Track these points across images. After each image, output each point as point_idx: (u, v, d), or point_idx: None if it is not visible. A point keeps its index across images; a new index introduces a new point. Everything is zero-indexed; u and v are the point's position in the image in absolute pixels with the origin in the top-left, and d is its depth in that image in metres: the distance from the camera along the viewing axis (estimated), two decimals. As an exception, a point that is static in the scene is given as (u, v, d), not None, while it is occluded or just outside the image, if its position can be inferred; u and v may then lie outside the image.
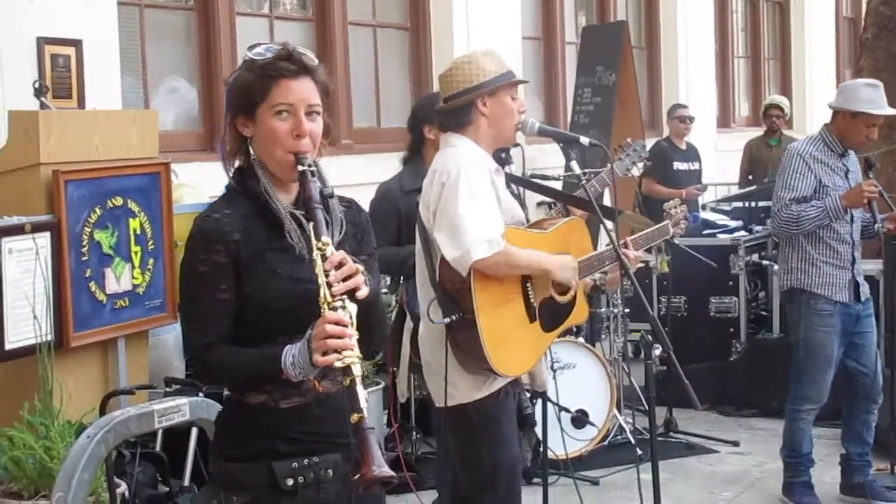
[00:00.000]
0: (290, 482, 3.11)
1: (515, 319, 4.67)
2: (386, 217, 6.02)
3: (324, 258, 2.97)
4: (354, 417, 2.88)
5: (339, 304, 2.94)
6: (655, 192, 10.90)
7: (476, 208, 4.51)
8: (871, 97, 6.50)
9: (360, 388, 2.89)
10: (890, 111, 6.58)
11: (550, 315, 4.81)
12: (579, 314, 5.01)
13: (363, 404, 2.89)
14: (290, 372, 3.01)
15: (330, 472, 3.17)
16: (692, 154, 11.66)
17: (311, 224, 3.03)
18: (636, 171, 6.75)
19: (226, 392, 3.39)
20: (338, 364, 2.91)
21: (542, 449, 6.15)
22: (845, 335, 6.55)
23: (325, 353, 2.92)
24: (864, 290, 6.60)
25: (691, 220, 5.78)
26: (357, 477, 2.85)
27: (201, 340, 3.10)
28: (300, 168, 3.10)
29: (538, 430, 6.11)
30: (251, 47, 3.16)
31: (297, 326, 3.02)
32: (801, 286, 6.53)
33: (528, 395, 5.17)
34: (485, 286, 4.52)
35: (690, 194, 11.05)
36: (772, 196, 6.80)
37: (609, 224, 4.90)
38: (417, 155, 6.14)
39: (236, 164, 3.22)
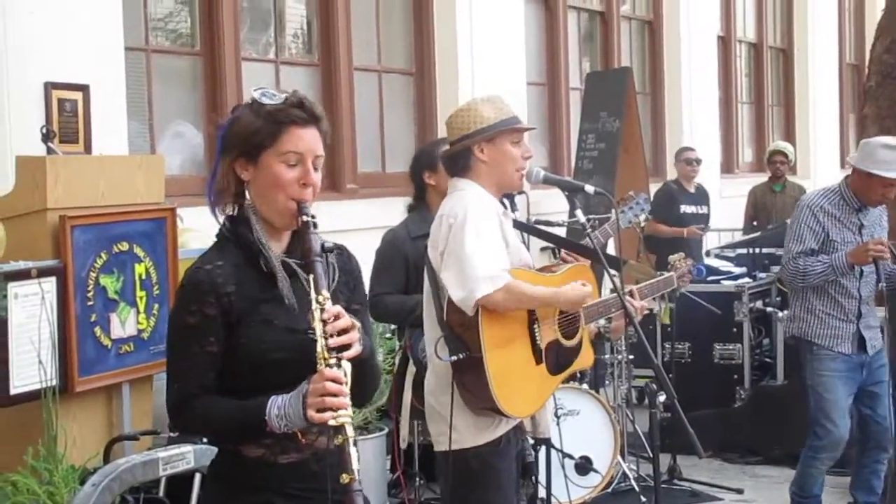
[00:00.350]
0: None
1: (522, 360, 4.68)
2: (394, 264, 6.05)
3: (322, 312, 2.97)
4: (345, 478, 2.89)
5: (334, 360, 2.95)
6: (658, 231, 10.92)
7: (481, 247, 4.53)
8: (887, 158, 6.43)
9: (352, 449, 2.91)
10: None
11: (556, 358, 4.81)
12: (585, 359, 5.01)
13: (355, 465, 2.89)
14: (274, 424, 3.00)
15: None
16: (701, 197, 11.66)
17: (312, 277, 3.03)
18: (642, 221, 6.78)
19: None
20: (332, 423, 2.91)
21: (542, 497, 6.15)
22: (853, 381, 6.55)
23: (319, 410, 2.92)
24: (874, 343, 6.59)
25: (696, 273, 5.80)
26: None
27: (184, 391, 3.07)
28: (304, 219, 3.09)
29: (541, 477, 6.12)
30: (257, 90, 3.15)
31: (294, 377, 3.01)
32: (802, 335, 6.55)
33: (532, 442, 5.16)
34: (492, 325, 4.53)
35: (692, 234, 11.08)
36: (778, 242, 6.84)
37: (614, 272, 4.91)
38: (421, 201, 6.16)
39: (227, 209, 3.21)
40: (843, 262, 6.36)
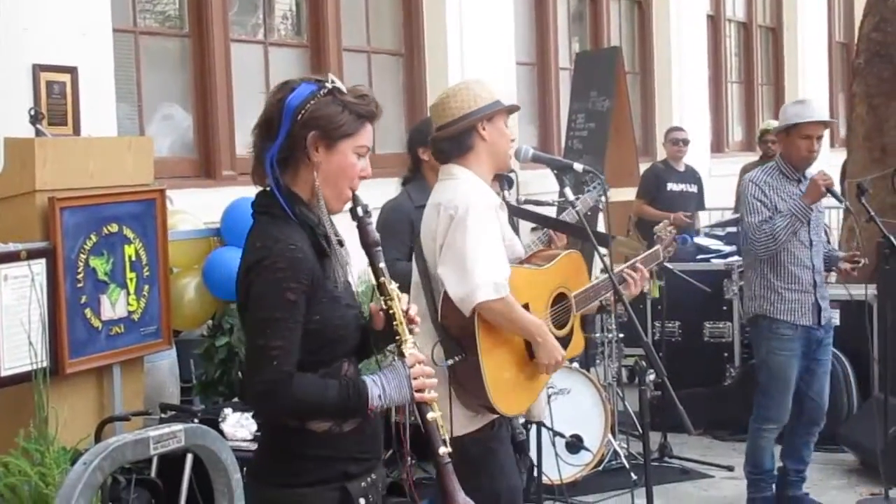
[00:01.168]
0: (363, 502, 3.24)
1: (516, 358, 4.69)
2: (401, 231, 5.97)
3: (399, 299, 3.25)
4: (443, 451, 3.23)
5: (412, 342, 3.25)
6: (646, 213, 10.89)
7: (485, 248, 4.53)
8: (797, 111, 6.69)
9: (441, 423, 3.26)
10: (817, 118, 6.69)
11: None
12: (576, 345, 5.02)
13: (446, 438, 3.25)
14: (376, 404, 3.18)
15: (382, 486, 3.37)
16: (689, 176, 11.61)
17: (382, 266, 3.27)
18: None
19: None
20: (429, 401, 3.24)
21: (536, 474, 6.17)
22: (804, 359, 6.64)
23: (419, 390, 3.22)
24: (827, 315, 6.70)
25: (681, 241, 5.83)
26: None
27: (282, 369, 3.10)
28: (361, 213, 3.27)
29: (532, 454, 6.13)
30: (324, 79, 3.26)
31: (349, 351, 3.28)
32: (764, 313, 6.63)
33: (522, 421, 5.17)
34: (488, 328, 4.55)
35: (678, 220, 10.97)
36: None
37: (604, 252, 4.92)
38: (419, 173, 6.17)
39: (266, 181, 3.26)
40: (800, 206, 6.45)
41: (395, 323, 3.25)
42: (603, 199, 6.50)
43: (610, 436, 7.78)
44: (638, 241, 8.87)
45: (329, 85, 3.24)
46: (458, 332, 4.56)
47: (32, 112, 6.33)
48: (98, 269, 5.78)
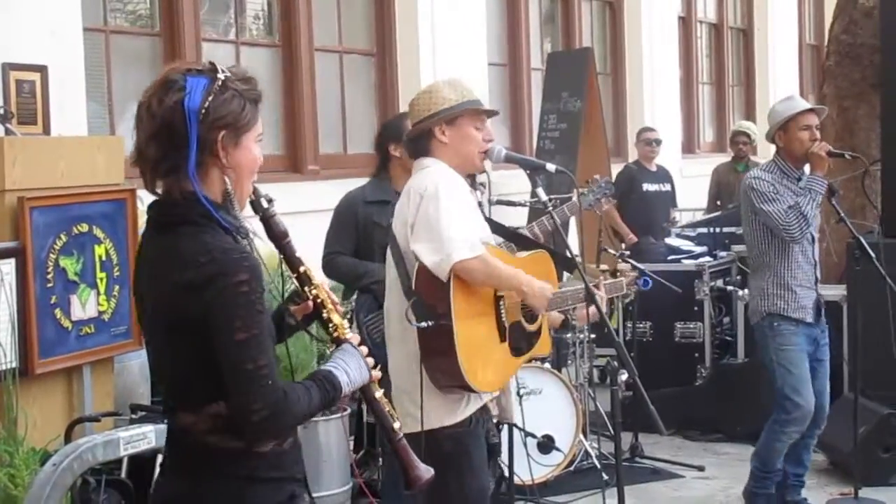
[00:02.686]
0: None
1: (488, 335, 4.69)
2: (347, 225, 6.23)
3: (319, 286, 3.17)
4: (396, 426, 3.19)
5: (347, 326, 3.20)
6: (614, 222, 10.82)
7: (457, 214, 4.55)
8: (788, 106, 6.70)
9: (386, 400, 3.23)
10: (808, 105, 6.72)
11: (518, 340, 4.82)
12: (543, 346, 5.03)
13: (395, 413, 3.23)
14: (346, 391, 3.09)
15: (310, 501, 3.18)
16: (663, 176, 11.58)
17: (299, 255, 3.13)
18: (604, 204, 6.83)
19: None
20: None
21: (507, 476, 6.16)
22: (809, 356, 6.61)
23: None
24: (822, 310, 6.68)
25: (642, 284, 5.91)
26: (408, 484, 3.20)
27: (277, 386, 2.87)
28: (265, 203, 3.10)
29: (504, 458, 6.13)
30: (206, 68, 3.00)
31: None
32: (778, 311, 6.54)
33: (495, 422, 5.17)
34: (462, 294, 4.54)
35: (630, 241, 10.79)
36: (739, 222, 6.83)
37: (577, 256, 4.94)
38: (383, 170, 6.23)
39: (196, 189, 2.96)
40: (813, 180, 6.49)
41: (325, 310, 3.13)
42: (602, 202, 6.59)
43: (581, 436, 7.79)
44: (611, 241, 8.90)
45: (221, 76, 2.95)
46: (433, 297, 4.54)
47: (2, 111, 6.31)
48: (68, 269, 5.75)
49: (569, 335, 8.39)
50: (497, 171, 8.08)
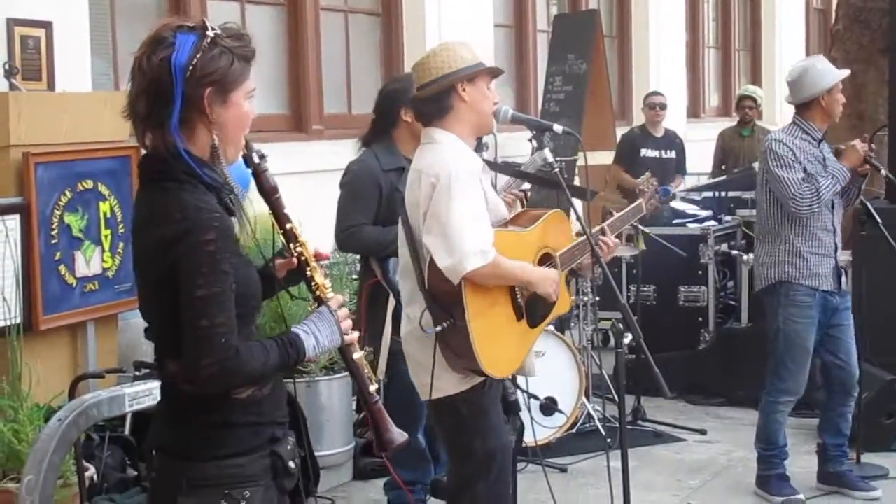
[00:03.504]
0: (292, 464, 3.14)
1: (504, 320, 4.69)
2: (368, 195, 5.86)
3: (308, 247, 3.20)
4: (372, 390, 3.20)
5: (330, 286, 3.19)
6: (623, 181, 10.83)
7: (470, 216, 4.50)
8: (826, 69, 6.60)
9: (366, 363, 3.24)
10: (843, 73, 6.67)
11: (535, 311, 4.81)
12: (562, 305, 5.02)
13: (373, 376, 3.23)
14: (311, 355, 3.11)
15: (294, 444, 3.23)
16: (667, 142, 11.45)
17: (286, 212, 3.16)
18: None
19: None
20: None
21: (524, 434, 6.17)
22: (822, 327, 6.57)
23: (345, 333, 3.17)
24: (843, 279, 6.63)
25: (662, 192, 5.79)
26: (381, 446, 3.21)
27: (230, 344, 2.92)
28: (257, 159, 3.14)
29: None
30: (197, 25, 3.02)
31: (258, 305, 3.16)
32: (788, 278, 6.50)
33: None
34: (475, 293, 4.53)
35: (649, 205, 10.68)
36: (744, 186, 6.78)
37: (580, 211, 4.92)
38: (387, 135, 6.02)
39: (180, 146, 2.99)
40: (840, 168, 6.42)
41: (308, 269, 3.18)
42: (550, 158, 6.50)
43: (584, 399, 7.80)
44: (616, 201, 8.85)
45: (210, 33, 2.99)
46: (446, 297, 4.54)
47: (7, 66, 6.27)
48: (73, 226, 5.75)
49: (572, 298, 8.37)
50: (501, 133, 8.04)
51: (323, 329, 3.11)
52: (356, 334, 3.20)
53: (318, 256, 3.22)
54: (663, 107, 11.47)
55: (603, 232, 5.10)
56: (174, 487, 3.05)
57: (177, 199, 2.95)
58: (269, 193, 3.16)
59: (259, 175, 3.15)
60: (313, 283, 3.19)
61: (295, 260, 3.22)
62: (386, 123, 5.98)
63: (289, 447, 3.15)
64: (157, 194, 2.99)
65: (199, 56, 2.96)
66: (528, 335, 4.80)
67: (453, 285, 4.49)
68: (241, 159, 3.15)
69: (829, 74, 6.54)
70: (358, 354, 3.19)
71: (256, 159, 3.14)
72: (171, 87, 2.94)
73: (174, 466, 3.08)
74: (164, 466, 3.12)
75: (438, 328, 4.52)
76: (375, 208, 5.82)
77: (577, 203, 8.85)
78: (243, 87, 3.04)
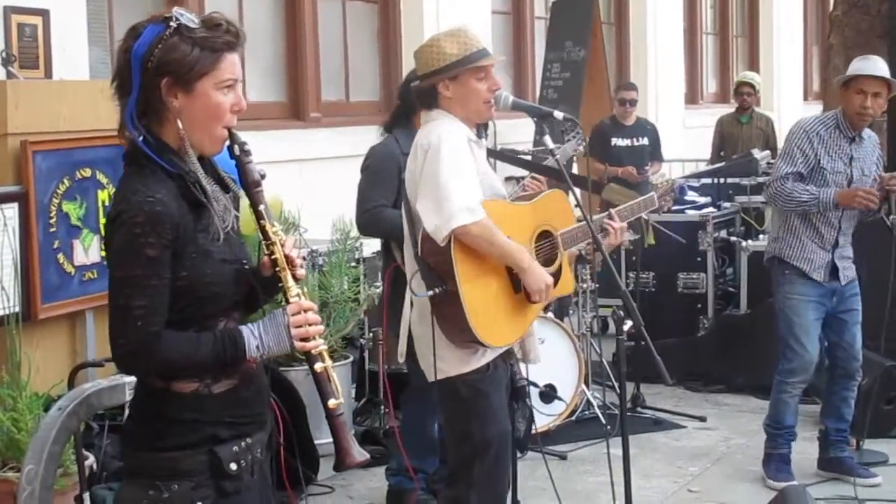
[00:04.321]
0: (234, 466, 3.08)
1: (499, 290, 4.67)
2: (389, 177, 5.90)
3: (282, 245, 3.09)
4: (332, 404, 3.04)
5: (297, 291, 3.08)
6: (594, 169, 10.70)
7: (458, 176, 4.52)
8: (858, 66, 6.54)
9: (333, 374, 3.07)
10: (876, 73, 6.50)
11: None
12: (565, 285, 5.00)
13: (339, 390, 3.07)
14: (254, 355, 3.04)
15: (260, 451, 3.18)
16: (637, 130, 11.11)
17: (263, 209, 3.10)
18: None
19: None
20: (315, 351, 3.06)
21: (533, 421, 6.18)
22: (822, 307, 6.58)
23: (303, 340, 3.04)
24: (846, 273, 6.61)
25: (678, 190, 5.75)
26: (338, 464, 3.09)
27: (148, 329, 2.94)
28: (243, 148, 3.10)
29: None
30: (177, 12, 3.03)
31: (226, 308, 3.10)
32: (781, 255, 6.56)
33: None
34: (466, 257, 4.53)
35: (626, 173, 10.67)
36: (743, 172, 6.79)
37: (579, 195, 4.91)
38: (407, 121, 6.05)
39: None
40: (830, 200, 6.38)
41: (277, 269, 3.10)
42: (580, 148, 6.48)
43: (584, 386, 7.80)
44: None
45: (174, 23, 2.99)
46: (438, 266, 4.56)
47: (4, 54, 6.25)
48: (71, 214, 5.73)
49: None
50: (501, 120, 8.02)
51: (269, 331, 3.04)
52: (319, 343, 3.08)
53: (289, 259, 3.11)
54: (633, 103, 11.16)
55: (610, 217, 5.09)
56: (123, 473, 3.16)
57: (126, 182, 3.02)
58: (249, 186, 3.11)
59: (241, 167, 3.11)
60: (280, 284, 3.11)
61: (266, 259, 3.15)
62: (407, 110, 6.07)
63: (235, 449, 3.09)
64: (121, 178, 3.08)
65: (159, 46, 2.99)
66: (526, 309, 4.78)
67: (443, 250, 4.51)
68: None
69: (851, 70, 6.55)
70: (321, 364, 3.07)
71: (238, 151, 3.09)
72: (130, 77, 3.02)
73: (123, 453, 3.18)
74: (121, 453, 3.24)
75: (430, 293, 4.53)
76: (396, 191, 5.83)
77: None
78: (212, 77, 3.02)
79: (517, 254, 4.64)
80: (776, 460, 6.76)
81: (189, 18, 3.01)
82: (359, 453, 3.11)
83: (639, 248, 8.60)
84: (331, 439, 3.13)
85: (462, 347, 4.65)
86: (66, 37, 6.93)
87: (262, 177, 3.13)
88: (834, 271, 6.55)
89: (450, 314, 4.57)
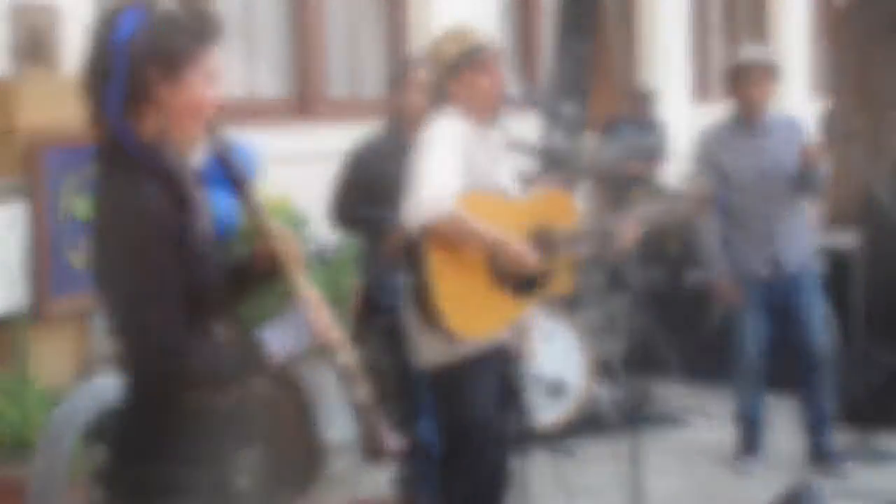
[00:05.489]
0: (242, 480, 2.99)
1: (476, 283, 4.71)
2: None
3: (283, 240, 3.03)
4: (362, 395, 2.97)
5: (306, 284, 3.00)
6: (635, 168, 10.71)
7: (435, 165, 4.60)
8: (745, 52, 6.80)
9: (356, 364, 2.99)
10: (759, 61, 6.68)
11: (518, 279, 4.81)
12: (559, 284, 5.00)
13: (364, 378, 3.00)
14: (278, 360, 2.93)
15: (265, 462, 3.09)
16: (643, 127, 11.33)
17: (255, 204, 3.03)
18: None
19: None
20: (337, 343, 2.98)
21: (524, 421, 6.17)
22: (766, 308, 6.66)
23: (323, 333, 2.97)
24: (793, 261, 6.64)
25: (714, 205, 5.70)
26: (373, 452, 3.03)
27: (177, 337, 2.78)
28: (227, 143, 3.02)
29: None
30: (150, 1, 2.88)
31: (214, 307, 2.97)
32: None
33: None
34: (439, 247, 4.59)
35: (634, 169, 10.67)
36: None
37: (595, 195, 4.91)
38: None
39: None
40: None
41: (279, 264, 3.00)
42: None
43: (591, 381, 7.78)
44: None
45: (159, 9, 2.84)
46: (416, 256, 4.63)
47: (13, 50, 6.25)
48: (80, 210, 5.74)
49: (581, 280, 8.36)
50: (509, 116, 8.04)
51: (289, 331, 2.95)
52: (336, 335, 2.98)
53: (291, 255, 3.03)
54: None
55: (626, 221, 5.08)
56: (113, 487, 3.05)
57: (112, 186, 2.90)
58: (237, 183, 3.03)
59: (227, 164, 3.01)
60: (277, 280, 3.05)
61: (258, 252, 3.09)
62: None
63: (243, 461, 3.00)
64: (102, 182, 2.96)
65: (143, 32, 2.83)
66: (509, 304, 4.79)
67: (421, 245, 4.57)
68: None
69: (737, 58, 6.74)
70: (344, 356, 2.97)
71: (223, 148, 3.00)
72: (112, 65, 2.87)
73: (120, 465, 3.02)
74: (117, 467, 3.05)
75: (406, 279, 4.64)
76: None
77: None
78: (197, 67, 2.88)
79: (492, 237, 4.67)
80: (743, 450, 6.96)
81: (170, 5, 2.87)
82: (395, 442, 3.03)
83: (648, 242, 8.58)
84: (341, 432, 3.10)
85: (440, 337, 4.69)
86: (75, 33, 6.93)
87: (249, 175, 3.06)
88: (774, 265, 6.61)
89: (423, 305, 4.64)
